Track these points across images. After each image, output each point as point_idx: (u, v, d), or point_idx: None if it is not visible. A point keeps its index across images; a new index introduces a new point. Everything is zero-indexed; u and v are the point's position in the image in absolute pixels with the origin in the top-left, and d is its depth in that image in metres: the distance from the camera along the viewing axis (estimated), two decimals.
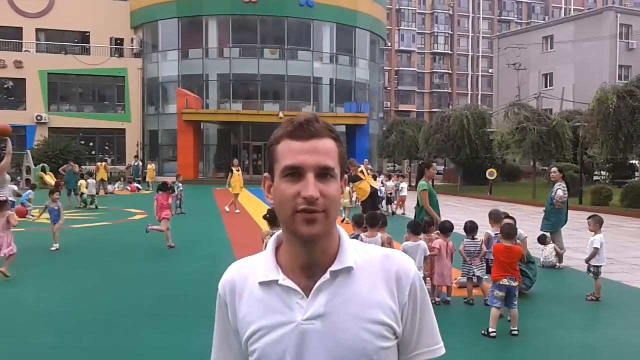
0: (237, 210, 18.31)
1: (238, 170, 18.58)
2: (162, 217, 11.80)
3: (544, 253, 9.98)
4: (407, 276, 1.37)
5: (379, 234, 7.09)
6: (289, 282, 1.33)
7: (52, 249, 11.22)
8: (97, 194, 20.98)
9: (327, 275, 1.32)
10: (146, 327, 6.42)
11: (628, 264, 10.56)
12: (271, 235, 6.95)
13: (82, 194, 19.92)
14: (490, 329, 6.07)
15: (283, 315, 1.32)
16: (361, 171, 14.49)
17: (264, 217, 7.32)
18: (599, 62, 44.93)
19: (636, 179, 28.16)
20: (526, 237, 7.98)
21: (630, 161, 28.40)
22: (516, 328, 6.19)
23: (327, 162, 1.29)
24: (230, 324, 1.41)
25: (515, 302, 6.25)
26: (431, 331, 1.42)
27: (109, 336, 6.07)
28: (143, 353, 5.62)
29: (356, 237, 7.27)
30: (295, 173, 1.28)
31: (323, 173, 1.29)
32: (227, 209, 18.42)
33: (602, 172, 32.29)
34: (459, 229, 8.98)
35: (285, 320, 1.31)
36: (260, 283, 1.36)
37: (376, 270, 1.36)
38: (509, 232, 6.62)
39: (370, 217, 7.34)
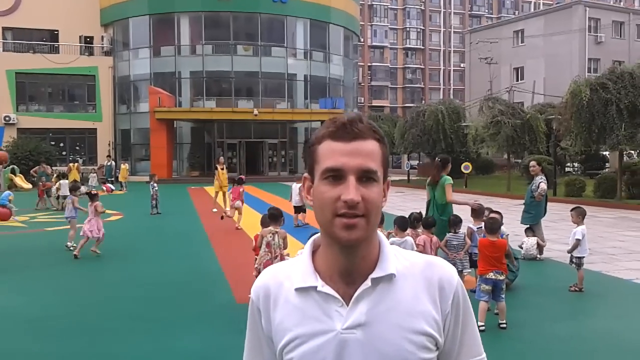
0: (215, 210, 18.13)
1: (222, 169, 18.38)
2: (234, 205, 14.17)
3: (525, 245, 10.05)
4: (451, 284, 1.31)
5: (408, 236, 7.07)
6: (328, 289, 1.27)
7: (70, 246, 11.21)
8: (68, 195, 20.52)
9: (368, 283, 1.26)
10: (131, 331, 6.28)
11: (606, 254, 10.71)
12: (273, 234, 6.90)
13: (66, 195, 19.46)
14: (479, 323, 6.07)
15: (322, 323, 1.26)
16: None
17: (266, 217, 7.14)
18: (568, 55, 45.63)
19: (607, 170, 28.67)
20: (508, 234, 8.01)
21: (602, 153, 28.88)
22: (504, 321, 6.22)
23: (369, 165, 1.23)
24: (264, 331, 1.35)
25: (503, 296, 6.30)
26: (474, 342, 1.36)
27: (93, 341, 5.92)
28: (131, 358, 5.48)
29: None
30: (336, 175, 1.23)
31: (365, 176, 1.23)
32: (227, 210, 18.15)
33: (574, 164, 32.82)
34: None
35: (324, 329, 1.25)
36: (297, 289, 1.29)
37: (418, 277, 1.30)
38: (493, 226, 6.64)
39: (400, 220, 7.28)
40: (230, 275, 8.66)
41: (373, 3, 79.90)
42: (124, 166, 30.67)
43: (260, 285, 1.36)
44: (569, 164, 32.74)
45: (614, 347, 5.78)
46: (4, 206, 15.78)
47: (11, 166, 28.79)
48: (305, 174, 1.34)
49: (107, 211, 18.40)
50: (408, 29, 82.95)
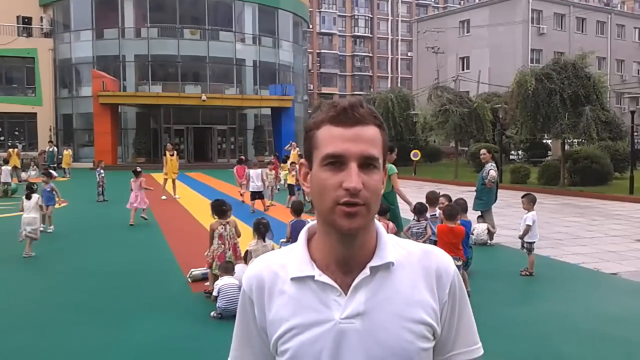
0: (164, 197, 17.78)
1: (172, 155, 18.08)
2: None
3: (476, 231, 10.24)
4: (448, 273, 1.29)
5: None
6: (325, 278, 1.23)
7: (49, 231, 11.44)
8: (11, 182, 19.73)
9: (367, 271, 1.23)
10: (82, 323, 6.04)
11: (553, 239, 11.05)
12: (224, 225, 6.77)
13: (7, 182, 18.68)
14: None
15: (319, 313, 1.22)
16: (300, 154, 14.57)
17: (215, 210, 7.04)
18: (512, 46, 46.78)
19: (549, 158, 29.63)
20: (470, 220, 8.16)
21: (545, 141, 29.82)
22: None
23: (371, 152, 1.19)
24: (257, 321, 1.29)
25: None
26: (469, 330, 1.34)
27: (42, 334, 5.68)
28: (82, 351, 5.27)
29: (301, 223, 7.15)
30: (336, 162, 1.18)
31: (367, 163, 1.19)
32: (176, 196, 17.89)
33: (518, 152, 33.78)
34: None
35: (322, 319, 1.21)
36: (293, 279, 1.25)
37: (416, 266, 1.27)
38: (452, 212, 6.73)
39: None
40: (184, 264, 8.47)
41: None
42: (67, 152, 29.65)
43: (253, 276, 1.31)
44: (513, 152, 33.67)
45: (565, 329, 5.96)
46: None
47: None
48: (302, 160, 1.29)
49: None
50: (356, 17, 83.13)
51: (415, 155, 27.68)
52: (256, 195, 14.65)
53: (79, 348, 5.33)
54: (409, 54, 74.20)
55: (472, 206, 11.07)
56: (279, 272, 1.28)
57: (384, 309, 1.22)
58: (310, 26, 67.79)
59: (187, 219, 13.56)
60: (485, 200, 10.65)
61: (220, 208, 6.92)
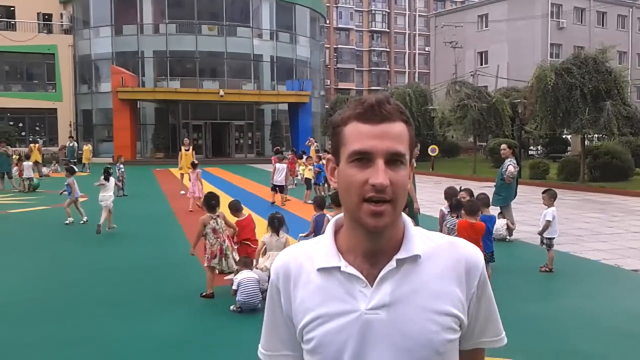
0: (183, 192, 17.91)
1: (187, 150, 18.29)
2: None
3: (495, 226, 10.16)
4: (477, 266, 1.31)
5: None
6: (352, 270, 1.25)
7: (67, 222, 12.01)
8: (33, 177, 19.97)
9: (393, 264, 1.25)
10: (104, 314, 6.14)
11: (573, 235, 10.96)
12: (215, 219, 6.85)
13: (30, 177, 18.95)
14: None
15: (345, 303, 1.24)
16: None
17: (231, 204, 7.18)
18: (531, 40, 46.32)
19: (569, 153, 29.32)
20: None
21: (564, 136, 29.52)
22: None
23: (398, 148, 1.21)
24: (283, 310, 1.32)
25: None
26: (496, 321, 1.37)
27: (65, 326, 5.78)
28: (104, 342, 5.36)
29: (322, 217, 7.17)
30: (363, 158, 1.21)
31: (393, 159, 1.21)
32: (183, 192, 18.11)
33: (537, 147, 33.46)
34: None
35: (348, 309, 1.24)
36: (320, 270, 1.28)
37: (443, 258, 1.29)
38: (472, 208, 6.71)
39: (335, 197, 7.27)
40: (203, 258, 8.52)
41: None
42: (87, 147, 29.96)
43: (280, 265, 1.35)
44: (532, 147, 33.37)
45: (584, 325, 5.92)
46: None
47: None
48: (329, 156, 1.31)
49: None
50: (374, 12, 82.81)
51: (432, 150, 27.56)
52: (277, 188, 15.02)
53: (100, 339, 5.41)
54: (427, 48, 73.74)
55: (491, 202, 11.05)
56: (305, 262, 1.31)
57: (409, 300, 1.24)
58: (328, 21, 67.69)
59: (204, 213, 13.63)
60: (504, 196, 10.58)
61: (209, 202, 7.02)
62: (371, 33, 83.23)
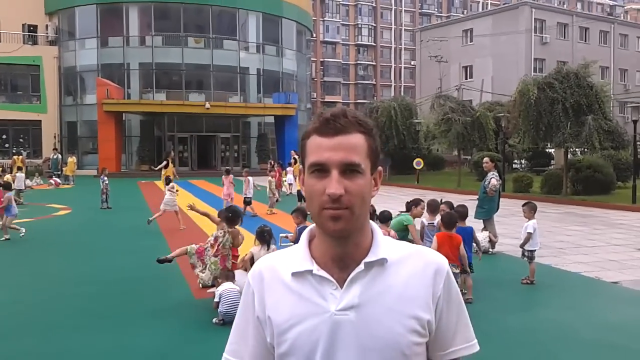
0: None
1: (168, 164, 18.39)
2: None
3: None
4: (441, 270, 1.37)
5: None
6: (323, 273, 1.32)
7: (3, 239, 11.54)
8: (24, 188, 19.77)
9: (361, 267, 1.32)
10: (87, 327, 6.11)
11: (555, 247, 11.08)
12: (224, 232, 6.87)
13: (21, 190, 18.70)
14: None
15: (316, 305, 1.31)
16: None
17: (224, 216, 7.20)
18: (515, 55, 46.88)
19: (552, 167, 29.63)
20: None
21: (548, 150, 29.84)
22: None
23: (352, 159, 1.28)
24: (256, 312, 1.37)
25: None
26: (466, 327, 1.42)
27: (48, 339, 5.74)
28: (88, 355, 5.33)
29: (304, 229, 7.19)
30: (321, 169, 1.28)
31: (348, 169, 1.28)
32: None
33: (521, 160, 33.77)
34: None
35: (319, 311, 1.30)
36: (294, 273, 1.34)
37: (410, 264, 1.35)
38: (450, 220, 6.79)
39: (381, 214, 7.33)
40: (187, 271, 8.51)
41: None
42: (71, 159, 29.78)
43: (257, 270, 1.41)
44: (516, 161, 33.68)
45: (564, 337, 5.99)
46: None
47: None
48: (301, 167, 1.39)
49: (55, 206, 17.94)
50: (360, 26, 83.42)
51: (418, 163, 27.71)
52: (248, 201, 15.92)
53: (82, 352, 5.39)
54: (412, 62, 74.33)
55: (473, 214, 11.15)
56: (281, 268, 1.37)
57: (377, 302, 1.30)
58: (314, 35, 68.05)
59: (190, 227, 13.61)
60: (487, 209, 10.69)
61: (230, 216, 7.05)
62: (357, 47, 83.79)
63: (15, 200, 18.43)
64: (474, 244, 7.73)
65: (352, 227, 1.29)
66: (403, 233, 7.72)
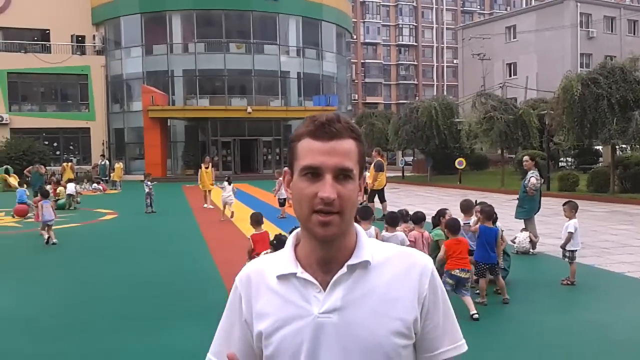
0: (206, 205, 18.43)
1: (207, 168, 18.70)
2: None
3: (517, 240, 10.09)
4: (426, 270, 1.36)
5: (372, 227, 7.03)
6: (306, 275, 1.33)
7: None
8: (77, 194, 20.43)
9: (344, 269, 1.32)
10: (124, 329, 6.29)
11: (599, 247, 10.78)
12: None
13: (57, 199, 19.26)
14: None
15: (300, 308, 1.32)
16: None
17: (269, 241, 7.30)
18: (560, 50, 45.77)
19: (600, 164, 28.79)
20: (503, 230, 8.05)
21: (595, 147, 29.00)
22: (476, 311, 6.33)
23: (346, 164, 1.29)
24: (243, 315, 1.39)
25: (465, 291, 6.51)
26: (453, 328, 1.41)
27: (86, 340, 5.93)
28: (122, 356, 5.50)
29: None
30: (314, 173, 1.29)
31: (341, 174, 1.29)
32: (205, 206, 18.59)
33: (567, 158, 32.92)
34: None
35: (302, 313, 1.31)
36: (279, 276, 1.36)
37: (394, 266, 1.36)
38: (455, 226, 6.85)
39: (363, 210, 7.30)
40: (225, 273, 8.66)
41: (365, 0, 79.83)
42: (118, 165, 30.59)
43: (244, 274, 1.43)
44: (562, 159, 32.85)
45: (604, 339, 5.83)
46: (24, 203, 16.52)
47: (5, 166, 28.70)
48: (286, 168, 1.40)
49: (102, 210, 18.49)
50: (401, 26, 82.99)
51: (460, 163, 27.38)
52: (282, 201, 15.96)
53: (116, 353, 5.55)
54: (455, 61, 73.45)
55: (514, 214, 10.96)
56: (267, 271, 1.39)
57: (360, 304, 1.30)
58: (355, 37, 68.03)
59: (231, 229, 13.82)
60: (527, 209, 10.49)
61: (271, 242, 7.12)
62: (399, 47, 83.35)
63: (72, 203, 19.28)
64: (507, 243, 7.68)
65: (341, 231, 1.30)
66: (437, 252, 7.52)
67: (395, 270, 1.34)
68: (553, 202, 16.62)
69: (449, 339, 1.39)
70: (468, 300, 6.45)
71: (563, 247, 8.09)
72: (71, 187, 19.72)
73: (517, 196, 11.11)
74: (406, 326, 1.31)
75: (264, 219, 8.07)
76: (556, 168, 28.93)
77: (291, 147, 1.36)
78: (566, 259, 8.07)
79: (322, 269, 1.33)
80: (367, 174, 16.56)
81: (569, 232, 7.98)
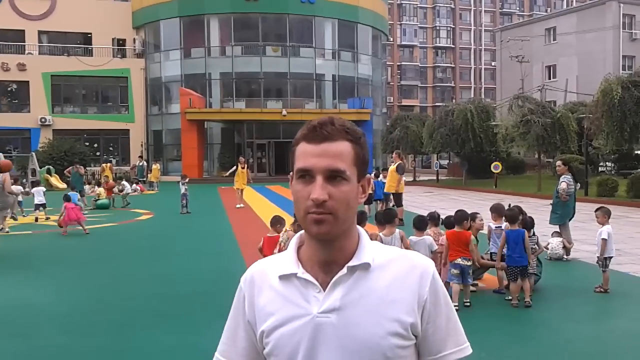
0: (238, 205, 18.72)
1: (243, 168, 19.01)
2: None
3: (550, 246, 9.93)
4: (427, 274, 1.38)
5: (397, 231, 7.07)
6: (307, 276, 1.36)
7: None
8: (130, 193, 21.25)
9: (344, 270, 1.35)
10: (156, 327, 6.44)
11: (636, 254, 10.53)
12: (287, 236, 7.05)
13: (97, 199, 19.82)
14: (453, 303, 6.15)
15: (300, 308, 1.35)
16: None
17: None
18: (602, 53, 44.76)
19: None
20: (537, 237, 7.99)
21: (636, 152, 28.29)
22: (469, 300, 6.95)
23: (336, 165, 1.32)
24: (246, 316, 1.43)
25: (469, 279, 7.02)
26: (456, 331, 1.42)
27: (119, 336, 6.10)
28: (153, 353, 5.64)
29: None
30: (306, 175, 1.32)
31: (333, 176, 1.31)
32: (238, 206, 18.91)
33: (607, 163, 32.17)
34: None
35: (302, 313, 1.34)
36: (281, 277, 1.39)
37: (395, 268, 1.38)
38: (460, 217, 7.28)
39: (386, 214, 7.36)
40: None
41: (402, 2, 79.47)
42: (156, 166, 31.16)
43: (248, 274, 1.47)
44: (602, 164, 32.12)
45: (636, 348, 5.72)
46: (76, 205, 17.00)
47: (47, 166, 29.55)
48: (291, 173, 1.42)
49: (139, 210, 18.89)
50: (438, 28, 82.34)
51: (496, 167, 27.04)
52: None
53: (151, 350, 5.70)
54: (493, 63, 72.53)
55: (549, 220, 10.75)
56: (269, 271, 1.43)
57: (359, 305, 1.33)
58: (391, 39, 67.79)
59: (263, 231, 13.93)
60: (561, 214, 10.30)
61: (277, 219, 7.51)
62: (435, 49, 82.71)
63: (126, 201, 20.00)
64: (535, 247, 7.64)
65: (336, 231, 1.32)
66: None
67: (395, 272, 1.36)
68: (591, 208, 16.22)
69: (452, 342, 1.40)
70: (467, 288, 7.00)
71: (601, 255, 7.86)
72: (128, 186, 20.49)
73: (552, 201, 10.92)
74: (404, 327, 1.33)
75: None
76: (595, 173, 28.29)
77: (292, 152, 1.40)
78: (600, 266, 7.91)
79: (323, 269, 1.36)
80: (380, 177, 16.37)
81: (602, 239, 7.82)
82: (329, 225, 1.31)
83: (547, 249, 9.85)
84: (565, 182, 10.14)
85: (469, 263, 6.94)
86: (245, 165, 19.40)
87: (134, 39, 42.13)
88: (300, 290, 1.36)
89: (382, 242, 6.68)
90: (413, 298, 1.35)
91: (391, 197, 15.65)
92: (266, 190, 27.50)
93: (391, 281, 1.35)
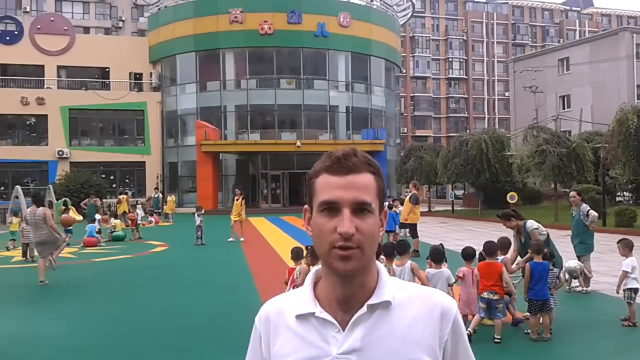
0: (230, 239, 18.64)
1: (238, 200, 18.92)
2: None
3: (569, 263, 9.70)
4: (450, 313, 1.35)
5: (408, 262, 7.01)
6: (325, 315, 1.32)
7: None
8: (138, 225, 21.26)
9: (364, 309, 1.31)
10: None
11: None
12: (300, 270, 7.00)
13: (113, 231, 19.92)
14: (467, 329, 6.29)
15: (319, 348, 1.30)
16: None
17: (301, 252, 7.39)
18: (616, 82, 44.65)
19: None
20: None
21: None
22: (499, 337, 6.63)
23: (363, 198, 1.29)
24: (263, 355, 1.39)
25: (499, 314, 6.73)
26: None
27: None
28: None
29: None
30: (332, 208, 1.29)
31: (360, 208, 1.28)
32: (241, 238, 18.73)
33: (624, 192, 31.81)
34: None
35: (321, 354, 1.30)
36: (297, 316, 1.35)
37: (416, 306, 1.34)
38: (490, 249, 7.09)
39: (401, 245, 7.33)
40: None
41: (415, 35, 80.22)
42: (171, 198, 31.30)
43: (263, 312, 1.43)
44: (619, 193, 31.76)
45: None
46: (93, 237, 18.20)
47: (63, 199, 29.77)
48: (306, 206, 1.38)
49: (153, 242, 18.90)
50: (451, 59, 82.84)
51: (511, 198, 26.78)
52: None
53: None
54: (506, 94, 72.61)
55: (575, 251, 10.50)
56: (286, 310, 1.38)
57: (380, 345, 1.28)
58: (404, 70, 68.27)
59: (277, 262, 13.87)
60: (589, 244, 10.14)
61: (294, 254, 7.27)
62: (448, 80, 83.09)
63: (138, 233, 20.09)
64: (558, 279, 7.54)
65: (362, 266, 1.29)
66: None
67: (417, 311, 1.32)
68: (610, 239, 16.03)
69: None
70: (498, 323, 6.71)
71: (627, 287, 7.64)
72: (142, 213, 20.65)
73: (571, 232, 10.76)
74: None
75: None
76: (613, 203, 27.97)
77: (309, 184, 1.36)
78: (625, 299, 7.70)
79: (342, 307, 1.32)
80: (399, 207, 16.37)
81: (623, 271, 7.67)
82: (357, 261, 1.27)
83: (566, 278, 9.65)
84: (592, 210, 10.04)
85: (496, 297, 6.74)
86: (241, 197, 19.13)
87: (151, 73, 42.82)
88: (318, 330, 1.32)
89: (393, 273, 6.62)
90: (434, 339, 1.31)
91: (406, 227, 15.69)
92: (280, 221, 27.44)
93: (412, 321, 1.31)
